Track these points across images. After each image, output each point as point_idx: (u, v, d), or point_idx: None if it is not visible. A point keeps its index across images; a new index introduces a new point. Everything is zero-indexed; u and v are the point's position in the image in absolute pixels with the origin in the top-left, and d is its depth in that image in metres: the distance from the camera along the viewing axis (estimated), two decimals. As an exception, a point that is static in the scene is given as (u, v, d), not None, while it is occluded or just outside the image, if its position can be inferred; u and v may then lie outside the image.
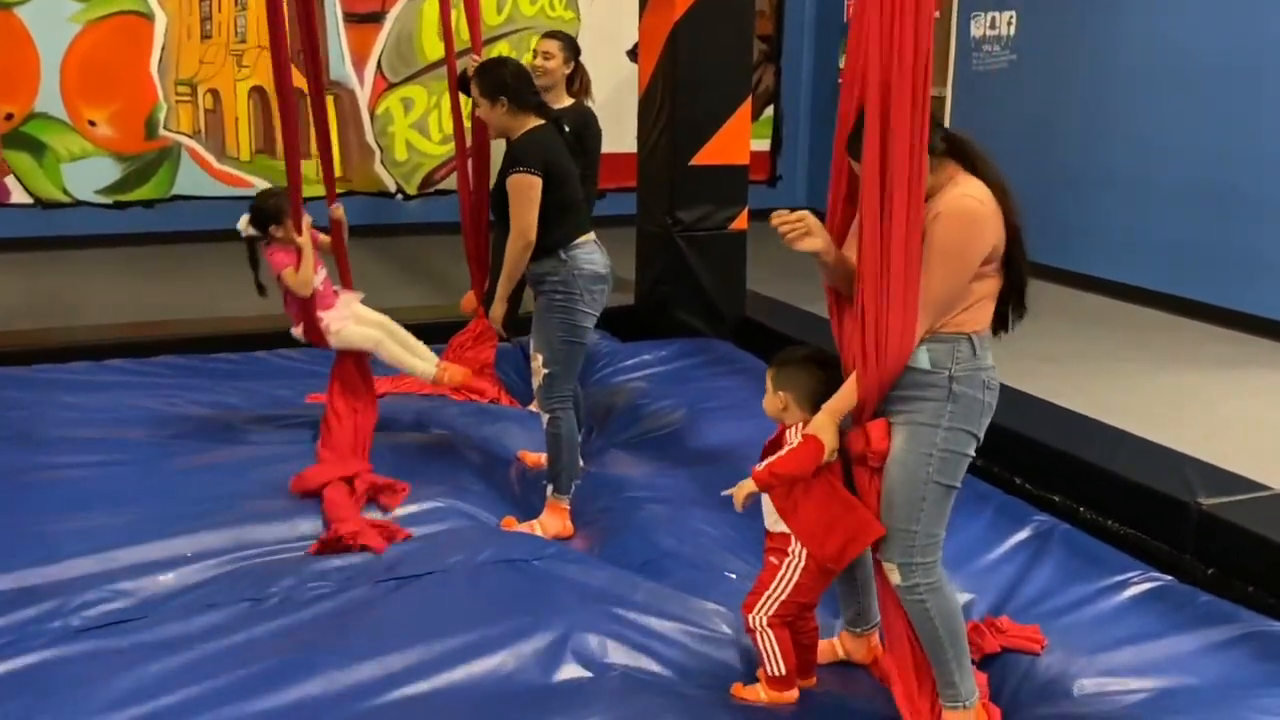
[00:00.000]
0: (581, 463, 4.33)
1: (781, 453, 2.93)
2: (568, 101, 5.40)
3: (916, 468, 2.77)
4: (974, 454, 2.85)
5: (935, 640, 2.84)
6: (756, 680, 3.10)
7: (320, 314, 4.44)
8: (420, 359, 4.68)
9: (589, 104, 5.56)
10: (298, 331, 4.54)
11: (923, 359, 2.75)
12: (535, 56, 5.41)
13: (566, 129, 4.33)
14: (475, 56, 5.01)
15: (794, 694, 3.05)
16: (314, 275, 4.39)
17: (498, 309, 4.33)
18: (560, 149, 4.10)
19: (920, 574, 2.81)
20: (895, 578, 2.83)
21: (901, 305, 2.68)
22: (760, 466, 2.96)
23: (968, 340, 2.77)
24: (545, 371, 4.09)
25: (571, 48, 5.47)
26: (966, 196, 2.71)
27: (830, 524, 2.89)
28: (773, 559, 3.02)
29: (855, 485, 2.90)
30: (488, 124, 4.20)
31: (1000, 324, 2.89)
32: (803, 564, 2.96)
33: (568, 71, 5.41)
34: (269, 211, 4.37)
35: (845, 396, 2.84)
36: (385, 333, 4.59)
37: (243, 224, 4.43)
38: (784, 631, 3.01)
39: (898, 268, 2.66)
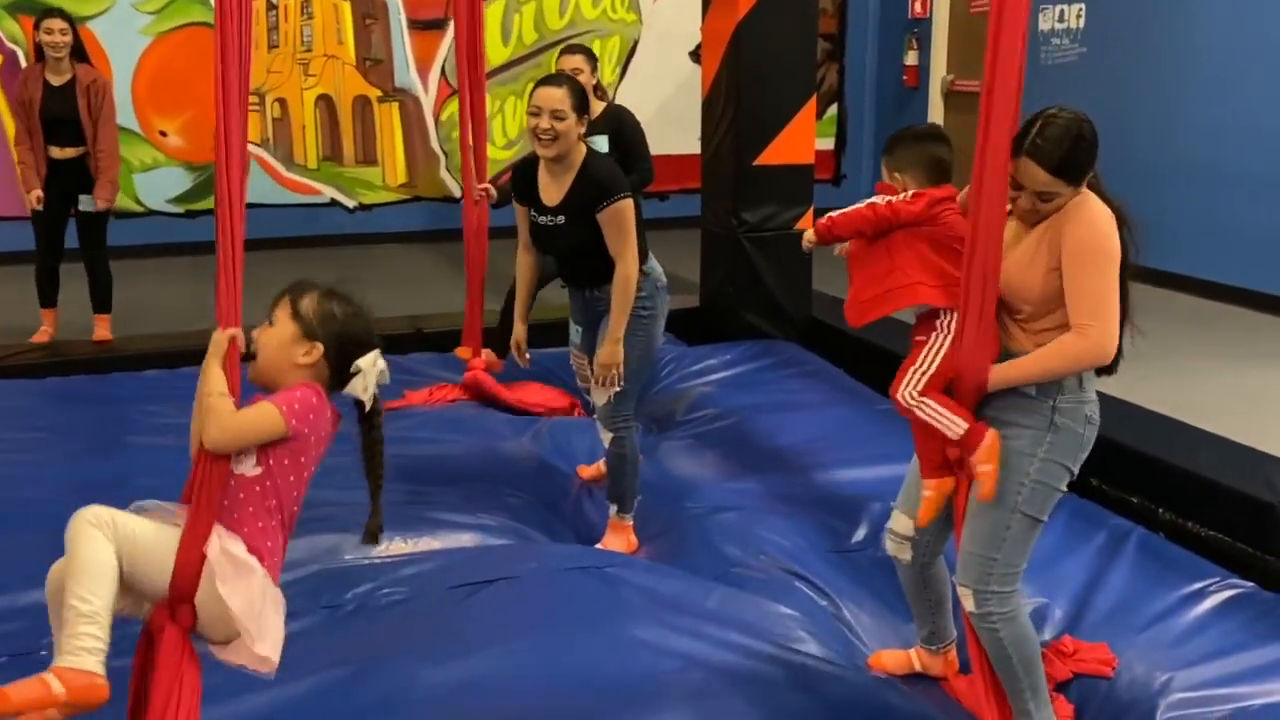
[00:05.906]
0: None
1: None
2: (599, 107, 5.37)
3: (1006, 494, 2.71)
4: (1065, 489, 2.78)
5: (1009, 668, 2.79)
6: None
7: None
8: None
9: (616, 103, 5.62)
10: None
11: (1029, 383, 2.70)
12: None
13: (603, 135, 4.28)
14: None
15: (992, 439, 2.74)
16: None
17: (515, 330, 4.30)
18: None
19: (995, 603, 2.76)
20: (969, 604, 2.78)
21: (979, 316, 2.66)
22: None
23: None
24: (614, 389, 4.01)
25: (592, 59, 5.54)
26: (1099, 204, 2.67)
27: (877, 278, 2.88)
28: (919, 337, 2.92)
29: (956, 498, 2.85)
30: (562, 137, 3.82)
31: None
32: (952, 336, 2.81)
33: (594, 83, 5.45)
34: None
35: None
36: None
37: None
38: (938, 395, 2.80)
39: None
